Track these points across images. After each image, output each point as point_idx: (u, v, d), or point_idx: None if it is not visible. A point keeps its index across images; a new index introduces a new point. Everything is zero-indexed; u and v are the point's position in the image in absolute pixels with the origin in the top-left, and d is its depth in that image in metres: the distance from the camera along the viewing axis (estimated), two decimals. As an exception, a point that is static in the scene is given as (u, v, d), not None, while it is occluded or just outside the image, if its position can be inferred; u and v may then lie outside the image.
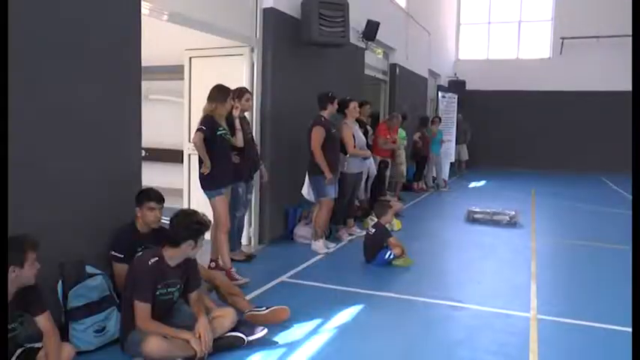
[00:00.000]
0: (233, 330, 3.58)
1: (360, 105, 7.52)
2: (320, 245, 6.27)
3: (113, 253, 3.86)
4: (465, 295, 4.93)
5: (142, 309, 3.26)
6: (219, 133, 4.92)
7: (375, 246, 5.76)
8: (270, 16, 6.38)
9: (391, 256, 5.68)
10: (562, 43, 17.19)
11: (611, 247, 7.14)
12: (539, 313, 4.47)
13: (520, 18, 18.23)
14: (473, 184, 13.37)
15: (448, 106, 13.69)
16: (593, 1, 16.82)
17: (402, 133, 10.05)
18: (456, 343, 3.87)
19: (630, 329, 3.99)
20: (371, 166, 7.92)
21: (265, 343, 3.63)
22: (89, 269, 3.65)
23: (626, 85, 16.19)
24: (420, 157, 11.64)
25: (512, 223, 8.15)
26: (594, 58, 16.90)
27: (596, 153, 17.02)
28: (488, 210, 8.48)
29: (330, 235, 6.82)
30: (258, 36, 6.30)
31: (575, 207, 10.48)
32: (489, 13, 18.61)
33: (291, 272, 5.42)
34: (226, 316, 3.60)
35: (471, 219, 8.43)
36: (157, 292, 3.35)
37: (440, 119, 12.30)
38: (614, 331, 4.15)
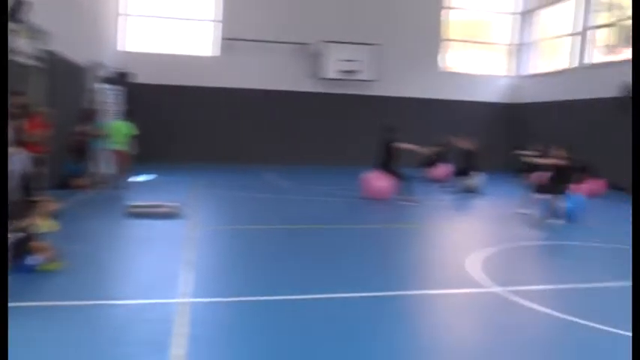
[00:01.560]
0: None
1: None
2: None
3: None
4: (120, 292, 4.97)
5: None
6: None
7: (19, 251, 5.29)
8: None
9: (37, 262, 5.30)
10: (226, 43, 18.39)
11: (266, 228, 8.12)
12: (194, 297, 4.81)
13: (187, 16, 18.75)
14: (142, 179, 13.32)
15: (113, 99, 13.32)
16: (256, 8, 18.46)
17: None
18: (108, 340, 3.89)
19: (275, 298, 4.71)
20: (21, 162, 7.21)
21: None
22: None
23: (284, 85, 18.57)
24: (82, 152, 11.10)
25: (174, 215, 8.43)
26: (255, 59, 18.59)
27: (261, 147, 18.78)
28: (149, 203, 8.58)
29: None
30: None
31: (236, 196, 11.45)
32: (158, 7, 18.65)
33: None
34: None
35: (132, 214, 8.41)
36: None
37: (99, 112, 11.89)
38: (268, 301, 4.82)
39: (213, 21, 18.76)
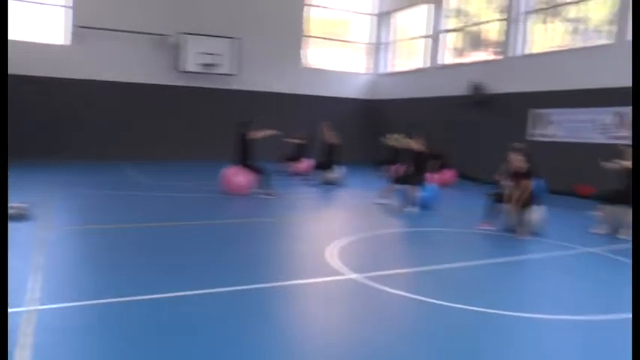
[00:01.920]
0: None
1: None
2: None
3: None
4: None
5: None
6: None
7: None
8: None
9: None
10: (78, 31, 17.18)
11: (123, 227, 7.73)
12: (41, 304, 4.43)
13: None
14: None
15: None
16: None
17: None
18: None
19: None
20: None
21: None
22: None
23: (142, 77, 17.77)
24: None
25: (22, 217, 7.74)
26: (111, 50, 17.59)
27: (119, 142, 17.86)
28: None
29: None
30: None
31: (94, 194, 10.75)
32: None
33: None
34: None
35: (-27, 216, 7.63)
36: None
37: None
38: (121, 303, 4.54)
39: (64, 6, 17.40)
